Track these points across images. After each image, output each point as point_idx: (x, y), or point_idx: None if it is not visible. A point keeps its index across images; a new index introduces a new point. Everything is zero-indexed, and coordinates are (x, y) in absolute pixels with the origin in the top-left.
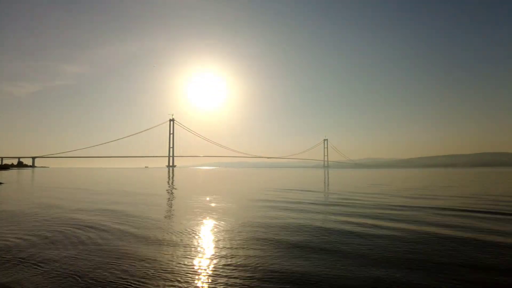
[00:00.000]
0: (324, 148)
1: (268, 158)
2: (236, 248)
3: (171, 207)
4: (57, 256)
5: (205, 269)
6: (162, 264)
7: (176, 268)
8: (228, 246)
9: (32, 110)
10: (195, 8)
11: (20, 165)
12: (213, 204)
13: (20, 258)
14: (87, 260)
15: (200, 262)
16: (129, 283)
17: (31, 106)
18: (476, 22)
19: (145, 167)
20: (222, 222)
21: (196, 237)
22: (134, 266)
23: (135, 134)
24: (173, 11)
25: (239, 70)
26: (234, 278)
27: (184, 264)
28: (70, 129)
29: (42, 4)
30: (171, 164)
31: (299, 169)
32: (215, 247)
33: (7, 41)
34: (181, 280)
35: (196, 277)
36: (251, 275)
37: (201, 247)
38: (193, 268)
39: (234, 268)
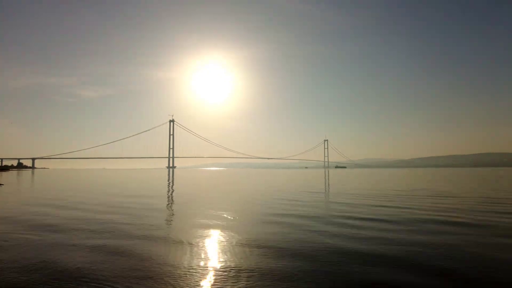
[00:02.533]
0: (325, 148)
1: (269, 159)
2: None
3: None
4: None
5: None
6: None
7: None
8: None
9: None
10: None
11: (20, 166)
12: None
13: None
14: None
15: None
16: None
17: (87, 109)
18: (476, 22)
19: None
20: None
21: None
22: None
23: (135, 135)
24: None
25: (240, 71)
26: None
27: None
28: (71, 131)
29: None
30: (171, 165)
31: (301, 169)
32: None
33: (100, 47)
34: None
35: None
36: None
37: None
38: None
39: None
